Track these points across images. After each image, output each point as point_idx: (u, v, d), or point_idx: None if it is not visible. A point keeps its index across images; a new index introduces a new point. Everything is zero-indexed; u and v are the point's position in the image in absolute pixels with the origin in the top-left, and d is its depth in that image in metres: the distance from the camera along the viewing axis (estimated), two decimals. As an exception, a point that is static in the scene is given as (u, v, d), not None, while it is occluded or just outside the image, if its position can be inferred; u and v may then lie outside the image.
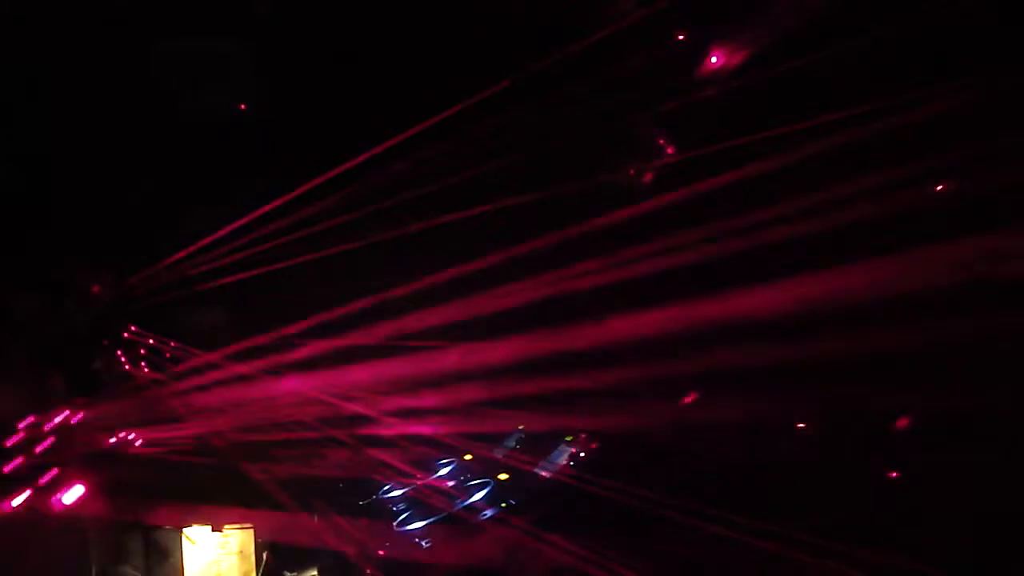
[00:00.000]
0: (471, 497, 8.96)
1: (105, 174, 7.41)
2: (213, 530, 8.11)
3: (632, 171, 8.41)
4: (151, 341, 7.91)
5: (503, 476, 8.99)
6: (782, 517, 7.82)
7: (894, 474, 8.45)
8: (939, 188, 6.68)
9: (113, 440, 7.96)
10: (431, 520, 8.89)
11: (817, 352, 7.38)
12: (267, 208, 7.30)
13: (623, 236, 7.97)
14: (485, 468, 9.02)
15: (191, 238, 7.40)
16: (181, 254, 7.47)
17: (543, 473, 9.05)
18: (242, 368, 7.89)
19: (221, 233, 7.34)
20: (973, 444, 7.78)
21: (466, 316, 8.37)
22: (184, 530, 8.11)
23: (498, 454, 9.16)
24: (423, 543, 8.86)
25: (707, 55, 7.02)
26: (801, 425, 8.51)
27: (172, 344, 7.86)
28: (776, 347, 7.65)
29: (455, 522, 8.90)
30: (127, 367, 7.93)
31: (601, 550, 8.27)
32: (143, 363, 7.98)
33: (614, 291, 8.12)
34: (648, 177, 8.38)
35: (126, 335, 7.94)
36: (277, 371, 7.99)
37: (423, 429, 8.36)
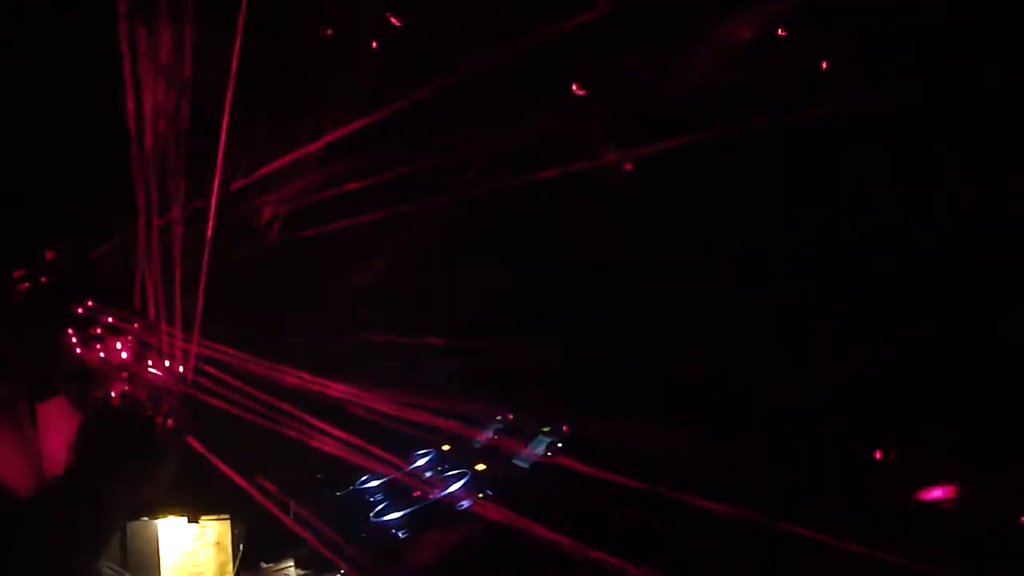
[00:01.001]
0: (448, 488, 8.96)
1: (69, 131, 7.10)
2: (189, 521, 8.01)
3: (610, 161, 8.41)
4: (110, 319, 7.49)
5: (480, 466, 9.00)
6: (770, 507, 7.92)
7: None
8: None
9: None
10: (408, 511, 8.88)
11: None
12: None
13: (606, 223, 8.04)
14: (462, 458, 9.03)
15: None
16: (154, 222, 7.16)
17: (521, 464, 9.07)
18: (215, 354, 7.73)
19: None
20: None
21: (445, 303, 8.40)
22: (159, 521, 7.98)
23: (476, 444, 9.19)
24: (399, 534, 8.84)
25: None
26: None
27: (135, 325, 7.51)
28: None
29: (432, 513, 8.89)
30: (78, 349, 7.50)
31: (579, 540, 8.31)
32: (98, 345, 7.55)
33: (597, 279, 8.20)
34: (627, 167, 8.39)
35: (81, 311, 7.45)
36: (251, 357, 7.87)
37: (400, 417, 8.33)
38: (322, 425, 7.79)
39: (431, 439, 8.86)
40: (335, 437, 7.94)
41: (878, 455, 7.91)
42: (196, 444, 7.19)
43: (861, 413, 7.75)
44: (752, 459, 7.71)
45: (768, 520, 7.08)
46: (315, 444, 8.05)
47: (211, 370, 7.38)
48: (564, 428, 9.04)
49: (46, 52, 6.90)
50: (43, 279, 7.11)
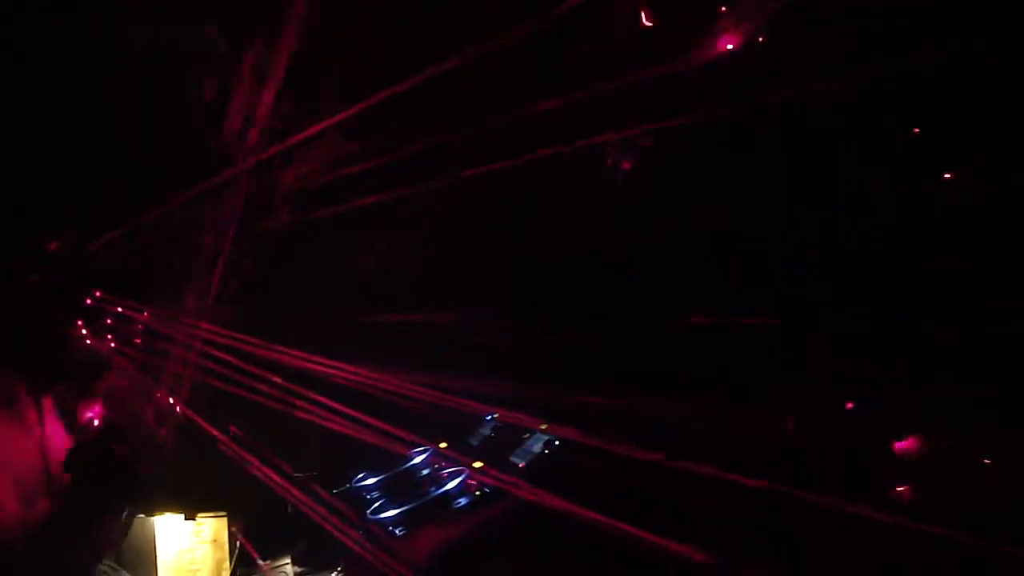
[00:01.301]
0: (445, 485, 8.94)
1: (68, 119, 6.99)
2: (186, 518, 7.97)
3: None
4: (119, 309, 7.40)
5: (477, 464, 8.99)
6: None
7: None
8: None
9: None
10: (404, 508, 8.86)
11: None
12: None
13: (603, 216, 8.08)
14: (459, 456, 9.01)
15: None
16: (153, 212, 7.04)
17: (518, 461, 9.05)
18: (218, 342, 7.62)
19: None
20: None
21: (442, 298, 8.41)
22: (156, 518, 7.93)
23: (472, 442, 9.17)
24: (396, 531, 8.82)
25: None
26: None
27: (145, 314, 7.41)
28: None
29: (428, 511, 8.87)
30: (89, 340, 7.41)
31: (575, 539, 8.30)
32: (109, 335, 7.46)
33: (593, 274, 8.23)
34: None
35: (89, 302, 7.35)
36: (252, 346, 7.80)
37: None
38: (326, 403, 7.71)
39: (427, 437, 8.84)
40: (340, 413, 7.84)
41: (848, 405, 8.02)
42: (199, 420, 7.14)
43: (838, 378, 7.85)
44: (744, 424, 7.75)
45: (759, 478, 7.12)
46: (305, 417, 7.93)
47: (215, 352, 7.33)
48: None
49: (49, 48, 6.84)
50: (48, 271, 7.00)
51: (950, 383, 7.37)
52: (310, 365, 7.63)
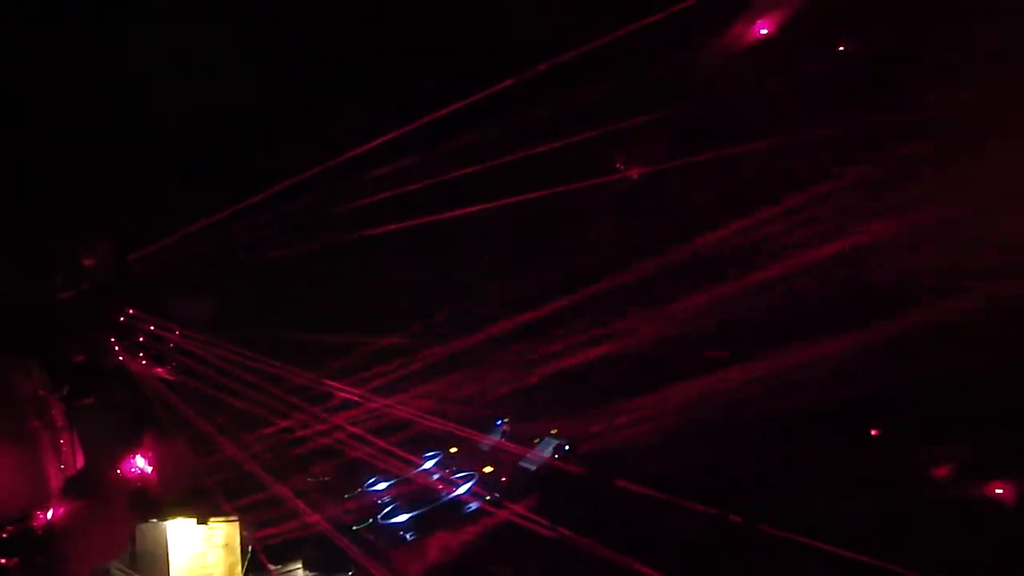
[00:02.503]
0: (456, 490, 8.95)
1: (102, 136, 7.01)
2: (199, 523, 7.99)
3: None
4: (151, 327, 7.42)
5: (488, 469, 8.99)
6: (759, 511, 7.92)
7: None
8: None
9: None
10: (416, 513, 8.86)
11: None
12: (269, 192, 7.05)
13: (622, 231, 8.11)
14: (470, 461, 9.02)
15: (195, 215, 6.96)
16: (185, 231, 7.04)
17: (528, 466, 9.05)
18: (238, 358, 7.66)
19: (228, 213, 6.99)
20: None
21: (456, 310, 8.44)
22: (168, 523, 7.97)
23: (483, 447, 9.17)
24: (407, 536, 8.83)
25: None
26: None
27: (176, 332, 7.43)
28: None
29: (439, 515, 8.87)
30: (121, 357, 7.47)
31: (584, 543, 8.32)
32: (140, 352, 7.53)
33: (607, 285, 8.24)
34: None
35: (122, 319, 7.40)
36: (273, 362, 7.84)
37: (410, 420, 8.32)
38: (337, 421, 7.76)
39: (439, 442, 8.86)
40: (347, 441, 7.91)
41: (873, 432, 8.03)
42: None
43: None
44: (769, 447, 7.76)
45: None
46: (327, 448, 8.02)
47: (230, 368, 7.37)
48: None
49: (81, 58, 6.85)
50: (83, 285, 7.00)
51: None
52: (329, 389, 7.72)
